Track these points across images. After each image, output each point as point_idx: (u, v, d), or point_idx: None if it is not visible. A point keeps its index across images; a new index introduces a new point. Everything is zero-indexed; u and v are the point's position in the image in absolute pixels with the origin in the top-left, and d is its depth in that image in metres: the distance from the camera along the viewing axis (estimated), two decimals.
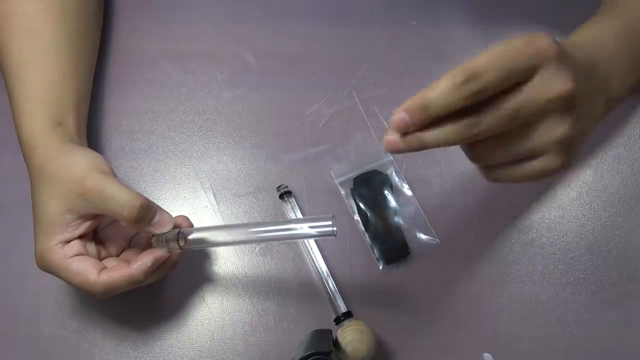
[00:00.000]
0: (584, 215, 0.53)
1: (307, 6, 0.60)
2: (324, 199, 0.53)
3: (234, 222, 0.53)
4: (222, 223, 0.53)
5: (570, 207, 0.53)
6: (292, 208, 0.52)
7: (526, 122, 0.33)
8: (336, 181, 0.53)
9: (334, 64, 0.58)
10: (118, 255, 0.46)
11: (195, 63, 0.58)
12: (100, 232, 0.46)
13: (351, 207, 0.52)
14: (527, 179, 0.36)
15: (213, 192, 0.54)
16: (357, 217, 0.52)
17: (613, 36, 0.40)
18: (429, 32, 0.59)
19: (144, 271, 0.41)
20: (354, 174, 0.53)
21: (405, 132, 0.32)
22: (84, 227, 0.42)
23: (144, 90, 0.57)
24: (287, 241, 0.51)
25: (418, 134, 0.32)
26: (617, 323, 0.49)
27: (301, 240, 0.51)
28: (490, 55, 0.30)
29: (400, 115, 0.31)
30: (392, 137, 0.32)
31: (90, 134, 0.52)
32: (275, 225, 0.42)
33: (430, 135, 0.32)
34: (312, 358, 0.41)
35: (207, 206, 0.53)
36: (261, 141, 0.55)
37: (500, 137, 0.33)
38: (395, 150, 0.33)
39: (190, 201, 0.53)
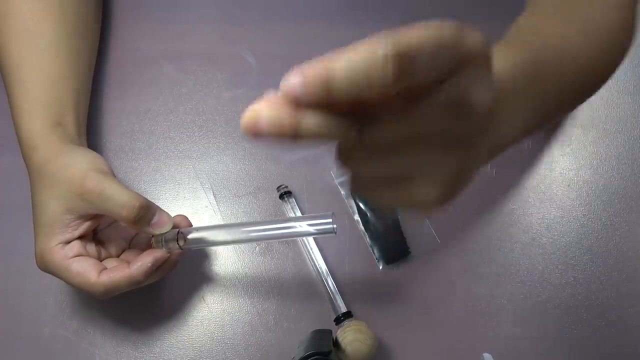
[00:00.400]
0: (584, 215, 0.53)
1: (306, 7, 0.60)
2: (324, 199, 0.53)
3: (233, 222, 0.53)
4: (221, 223, 0.53)
5: (570, 207, 0.53)
6: (292, 208, 0.52)
7: (424, 133, 0.24)
8: (336, 181, 0.53)
9: None
10: (118, 256, 0.46)
11: (195, 63, 0.58)
12: (100, 232, 0.46)
13: (351, 207, 0.52)
14: (393, 203, 0.28)
15: (213, 192, 0.54)
16: (357, 217, 0.52)
17: (514, 72, 0.32)
18: None
19: (144, 272, 0.41)
20: None
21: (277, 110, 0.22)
22: (84, 227, 0.42)
23: (143, 90, 0.57)
24: (288, 239, 0.51)
25: (294, 116, 0.22)
26: (617, 323, 0.49)
27: (301, 240, 0.51)
28: (425, 34, 0.21)
29: (295, 80, 0.21)
30: (259, 115, 0.23)
31: (90, 134, 0.52)
32: (275, 224, 0.41)
33: (311, 121, 0.22)
34: (312, 358, 0.41)
35: (207, 206, 0.53)
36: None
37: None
38: (254, 135, 0.23)
39: (190, 201, 0.53)
